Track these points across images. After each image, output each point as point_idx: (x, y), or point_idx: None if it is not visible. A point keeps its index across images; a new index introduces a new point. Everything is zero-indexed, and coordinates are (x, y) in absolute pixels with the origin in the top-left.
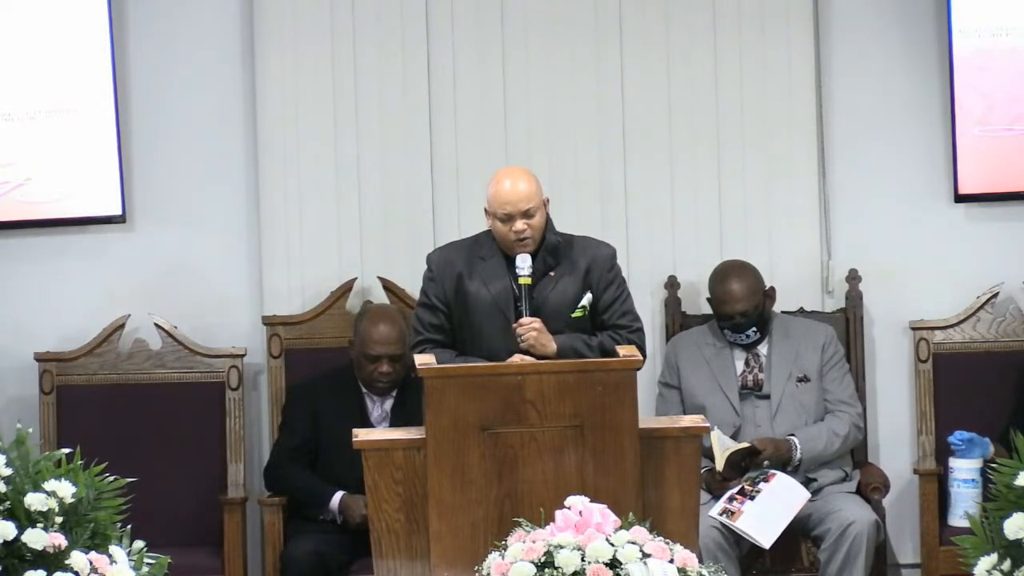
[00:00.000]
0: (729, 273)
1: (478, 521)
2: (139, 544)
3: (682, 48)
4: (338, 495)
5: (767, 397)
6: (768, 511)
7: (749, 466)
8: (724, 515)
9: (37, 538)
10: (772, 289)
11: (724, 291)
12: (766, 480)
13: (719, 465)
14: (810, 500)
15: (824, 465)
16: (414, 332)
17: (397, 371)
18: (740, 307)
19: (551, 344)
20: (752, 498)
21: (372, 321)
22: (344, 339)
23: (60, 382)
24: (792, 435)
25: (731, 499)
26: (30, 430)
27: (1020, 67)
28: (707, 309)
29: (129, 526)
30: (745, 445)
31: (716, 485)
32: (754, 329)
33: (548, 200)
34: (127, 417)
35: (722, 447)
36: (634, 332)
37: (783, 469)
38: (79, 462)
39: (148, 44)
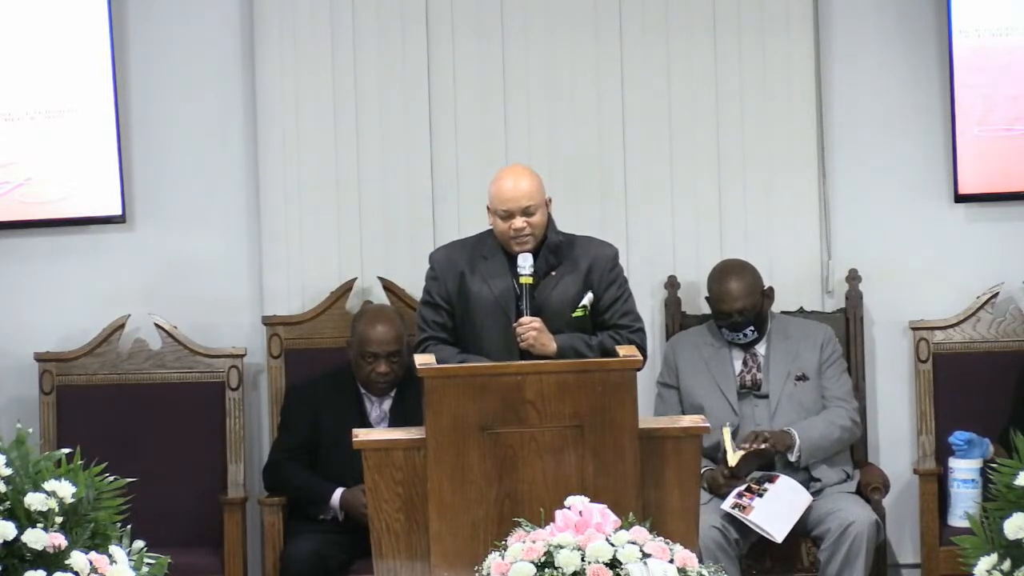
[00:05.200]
0: (728, 272)
1: (478, 521)
2: (139, 544)
3: (682, 48)
4: (338, 492)
5: (765, 397)
6: (777, 508)
7: (763, 466)
8: (736, 509)
9: (37, 538)
10: (771, 289)
11: (722, 289)
12: (771, 481)
13: (732, 461)
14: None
15: (825, 464)
16: (418, 330)
17: (395, 371)
18: (738, 305)
19: (551, 344)
20: (760, 495)
21: (370, 321)
22: (344, 339)
23: (60, 382)
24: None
25: (740, 495)
26: (30, 430)
27: (1020, 67)
28: (707, 309)
29: (129, 526)
30: (762, 447)
31: (722, 483)
32: (751, 328)
33: (550, 200)
34: (127, 417)
35: (735, 446)
36: (635, 332)
37: (785, 461)
38: (79, 462)
39: (148, 44)
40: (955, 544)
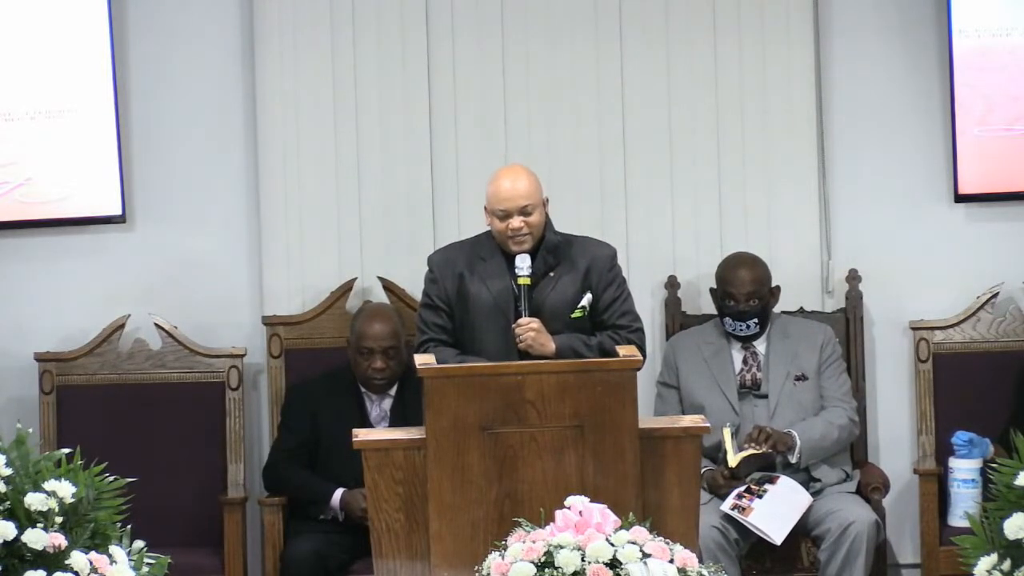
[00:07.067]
0: (741, 260)
1: (478, 521)
2: (139, 544)
3: (682, 48)
4: (339, 492)
5: (765, 396)
6: (777, 509)
7: (763, 467)
8: (735, 510)
9: (37, 538)
10: (777, 288)
11: (734, 274)
12: (771, 482)
13: (733, 463)
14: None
15: (825, 464)
16: (419, 332)
17: (392, 367)
18: (746, 290)
19: (549, 344)
20: (760, 496)
21: (367, 318)
22: (344, 339)
23: (60, 382)
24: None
25: (740, 496)
26: (30, 430)
27: (1020, 67)
28: (707, 309)
29: (129, 526)
30: (764, 451)
31: (722, 483)
32: (755, 321)
33: (548, 200)
34: (127, 417)
35: (736, 447)
36: (634, 332)
37: (786, 463)
38: (79, 462)
39: (148, 44)
40: (955, 544)
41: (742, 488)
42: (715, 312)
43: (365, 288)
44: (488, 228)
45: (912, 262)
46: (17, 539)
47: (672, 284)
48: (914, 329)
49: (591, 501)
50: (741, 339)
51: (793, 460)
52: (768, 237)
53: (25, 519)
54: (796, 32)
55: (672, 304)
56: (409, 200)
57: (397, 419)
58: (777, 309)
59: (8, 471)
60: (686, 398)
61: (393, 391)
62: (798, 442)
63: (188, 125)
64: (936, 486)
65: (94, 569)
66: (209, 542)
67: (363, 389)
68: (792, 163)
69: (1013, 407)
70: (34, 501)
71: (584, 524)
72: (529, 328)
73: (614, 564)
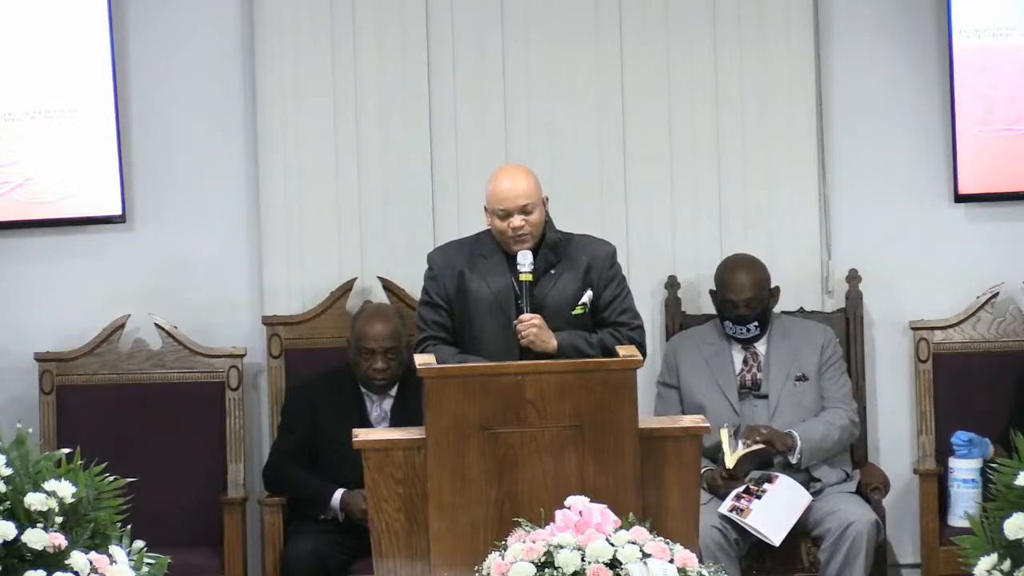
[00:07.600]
0: (739, 263)
1: (478, 521)
2: (139, 544)
3: (682, 48)
4: (339, 493)
5: (765, 397)
6: (775, 510)
7: (761, 465)
8: (733, 512)
9: (37, 538)
10: (776, 289)
11: (732, 279)
12: (770, 481)
13: (730, 463)
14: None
15: (825, 464)
16: (418, 330)
17: (392, 367)
18: (746, 294)
19: (551, 341)
20: (759, 497)
21: (368, 318)
22: (344, 339)
23: (60, 382)
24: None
25: (738, 497)
26: (30, 430)
27: (1020, 67)
28: (707, 309)
29: (129, 526)
30: (759, 447)
31: (721, 484)
32: (755, 324)
33: (547, 198)
34: (127, 417)
35: (733, 446)
36: (634, 329)
37: (786, 463)
38: (79, 462)
39: (148, 44)
40: (955, 544)
41: (741, 489)
42: (715, 312)
43: (365, 288)
44: (488, 227)
45: (912, 262)
46: (17, 539)
47: (672, 284)
48: (914, 329)
49: (591, 501)
50: (741, 340)
51: (794, 461)
52: (768, 237)
53: (25, 519)
54: (796, 32)
55: (672, 304)
56: (409, 200)
57: (397, 419)
58: (777, 309)
59: (8, 471)
60: (686, 398)
61: (393, 391)
62: (799, 443)
63: (188, 125)
64: (936, 486)
65: (94, 569)
66: (209, 542)
67: (363, 389)
68: (792, 163)
69: (1013, 407)
70: (34, 501)
71: (584, 524)
72: (531, 324)
73: (614, 564)
